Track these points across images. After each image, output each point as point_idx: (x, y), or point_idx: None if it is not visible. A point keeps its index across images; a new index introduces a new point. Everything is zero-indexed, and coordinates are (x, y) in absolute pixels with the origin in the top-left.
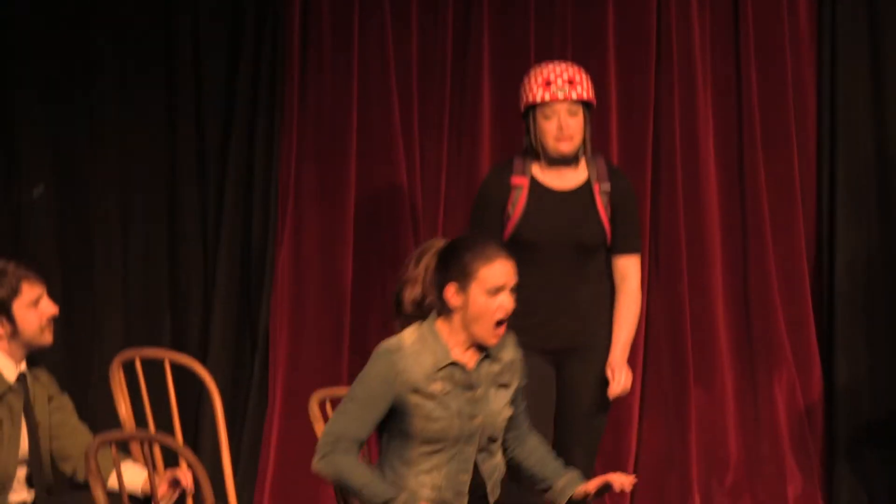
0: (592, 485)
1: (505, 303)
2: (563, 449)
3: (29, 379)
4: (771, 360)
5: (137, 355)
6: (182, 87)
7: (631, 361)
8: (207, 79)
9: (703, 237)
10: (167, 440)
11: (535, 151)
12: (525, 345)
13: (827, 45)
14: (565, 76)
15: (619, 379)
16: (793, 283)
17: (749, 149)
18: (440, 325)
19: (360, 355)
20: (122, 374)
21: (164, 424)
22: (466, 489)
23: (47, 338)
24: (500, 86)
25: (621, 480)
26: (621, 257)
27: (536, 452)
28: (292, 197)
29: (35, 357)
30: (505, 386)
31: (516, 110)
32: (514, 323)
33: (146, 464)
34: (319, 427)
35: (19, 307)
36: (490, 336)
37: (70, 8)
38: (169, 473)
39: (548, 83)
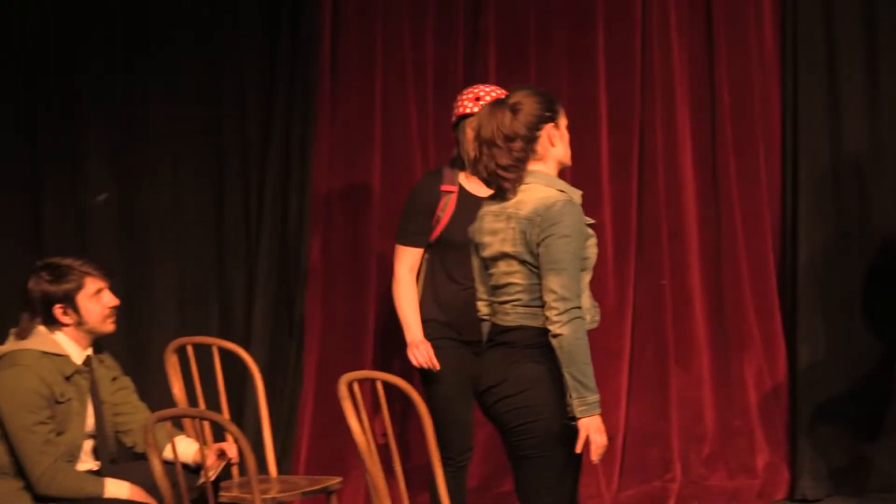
0: None
1: None
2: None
3: (94, 362)
4: (742, 345)
5: (189, 342)
6: (227, 103)
7: (618, 350)
8: (250, 100)
9: (682, 236)
10: (215, 416)
11: (462, 161)
12: (447, 336)
13: (790, 62)
14: (493, 94)
15: None
16: (761, 276)
17: (721, 155)
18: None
19: (383, 341)
20: (175, 359)
21: (213, 402)
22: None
23: (109, 326)
24: None
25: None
26: None
27: None
28: (323, 201)
29: (100, 343)
30: None
31: None
32: (440, 315)
33: (197, 437)
34: (347, 405)
35: (83, 299)
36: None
37: (122, 36)
38: (217, 446)
39: (477, 99)
